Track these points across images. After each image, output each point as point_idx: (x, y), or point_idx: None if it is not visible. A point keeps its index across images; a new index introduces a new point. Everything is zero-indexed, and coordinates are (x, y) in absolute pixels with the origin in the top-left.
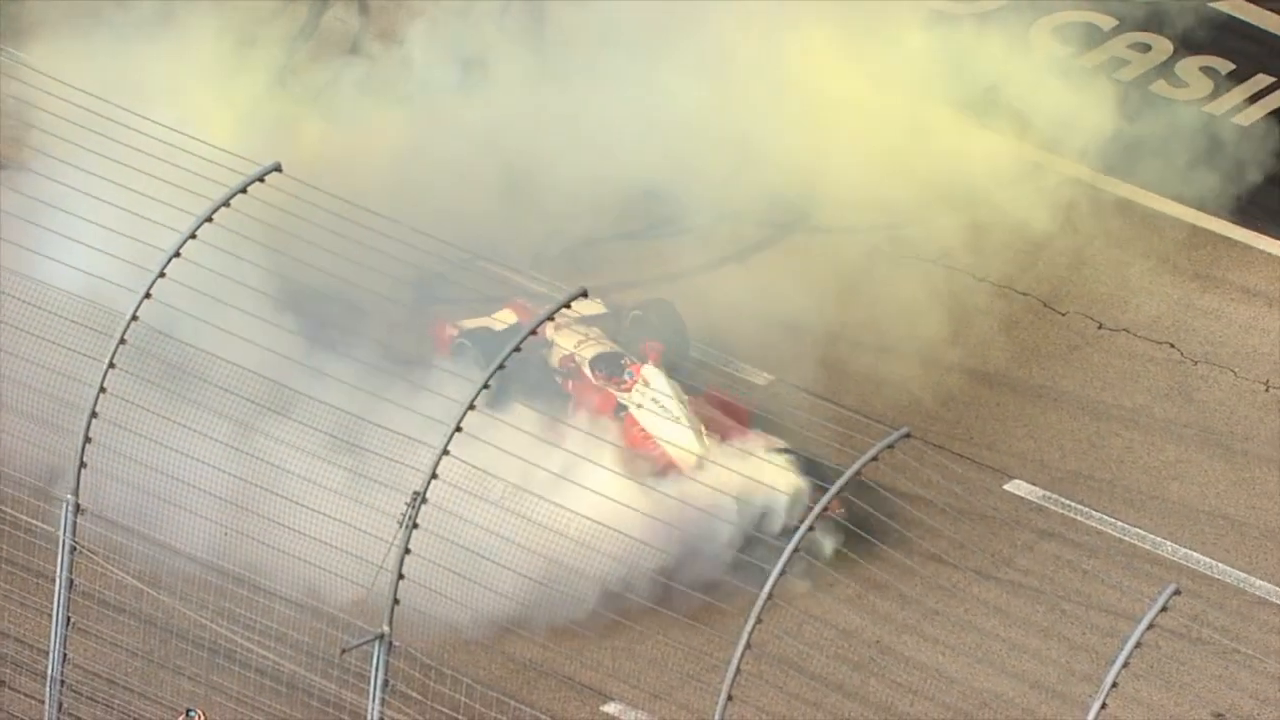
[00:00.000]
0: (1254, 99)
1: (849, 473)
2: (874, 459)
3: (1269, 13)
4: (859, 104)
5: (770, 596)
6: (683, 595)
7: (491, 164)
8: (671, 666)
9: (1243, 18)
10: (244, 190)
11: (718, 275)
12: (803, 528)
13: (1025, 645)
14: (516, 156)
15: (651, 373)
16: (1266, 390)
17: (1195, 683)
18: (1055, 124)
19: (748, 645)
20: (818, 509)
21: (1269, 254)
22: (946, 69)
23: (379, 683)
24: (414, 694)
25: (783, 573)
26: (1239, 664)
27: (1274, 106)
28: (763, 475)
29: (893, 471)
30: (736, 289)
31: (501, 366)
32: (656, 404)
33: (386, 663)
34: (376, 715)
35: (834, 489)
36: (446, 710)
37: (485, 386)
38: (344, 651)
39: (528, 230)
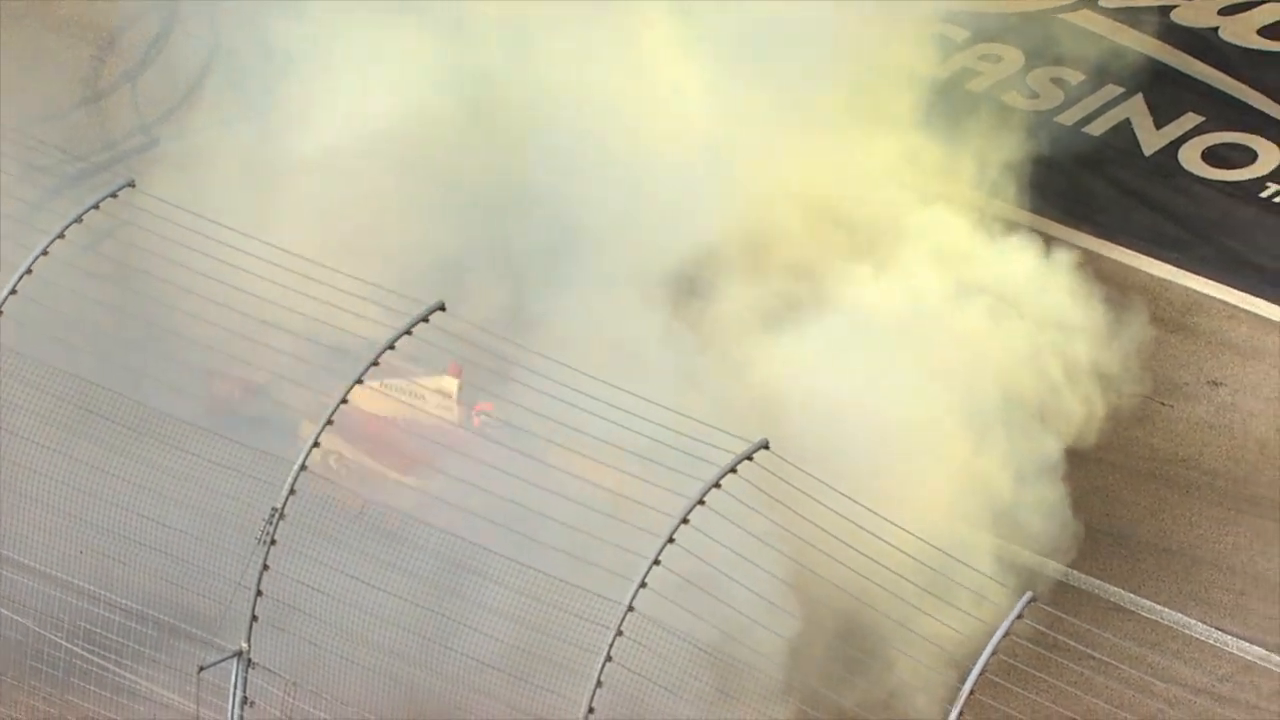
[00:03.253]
0: (1103, 109)
1: (708, 484)
2: (732, 470)
3: (1119, 25)
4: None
5: (631, 609)
6: (552, 608)
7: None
8: (535, 681)
9: (1092, 29)
10: (96, 206)
11: None
12: (661, 543)
13: (882, 655)
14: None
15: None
16: (1119, 398)
17: (1051, 689)
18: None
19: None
20: (672, 530)
21: (1120, 262)
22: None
23: (238, 699)
24: (274, 710)
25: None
26: (1094, 670)
27: (1124, 117)
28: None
29: (746, 484)
30: None
31: (359, 381)
32: None
33: (245, 679)
34: None
35: (691, 503)
36: None
37: (344, 401)
38: (202, 669)
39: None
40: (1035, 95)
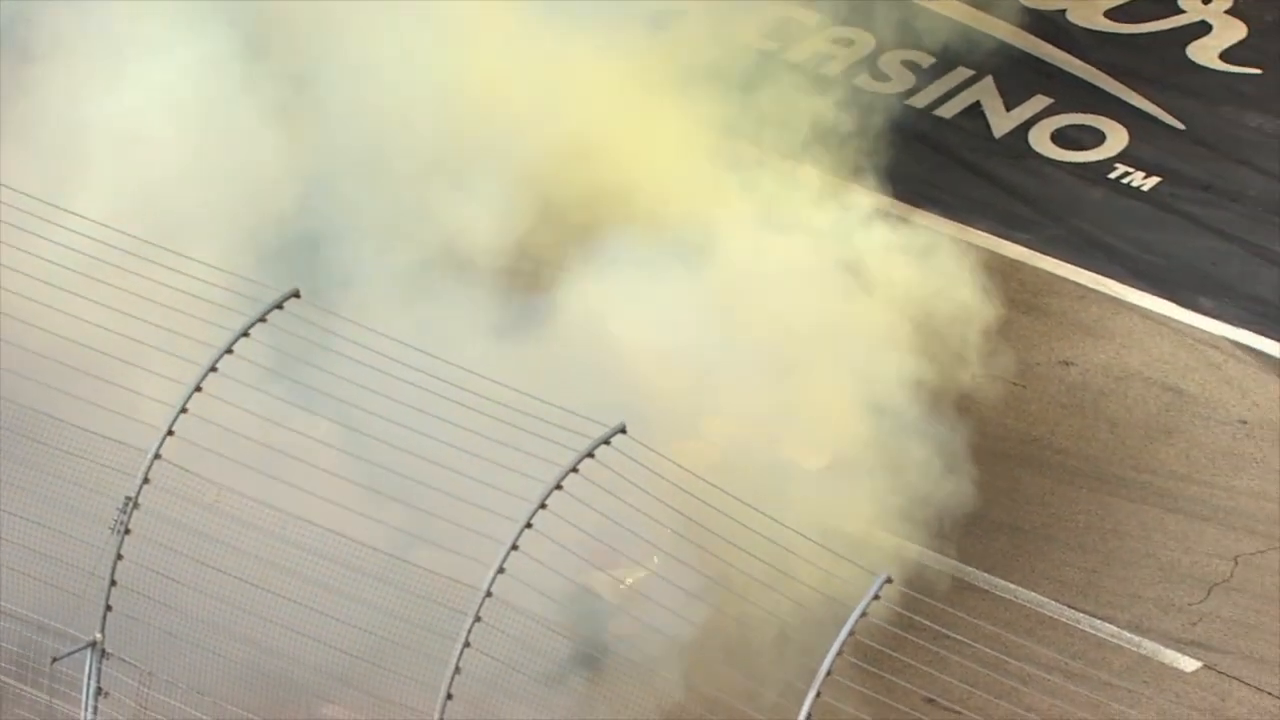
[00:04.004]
0: (954, 92)
1: (565, 469)
2: (589, 455)
3: (969, 8)
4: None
5: (490, 594)
6: (412, 596)
7: None
8: (396, 669)
9: (942, 12)
10: None
11: None
12: (520, 526)
13: (741, 640)
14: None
15: None
16: (971, 378)
17: (907, 669)
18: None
19: (466, 644)
20: (530, 515)
21: (970, 243)
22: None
23: (92, 690)
24: (129, 701)
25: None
26: (950, 649)
27: (974, 99)
28: None
29: (604, 468)
30: None
31: (213, 369)
32: None
33: (99, 670)
34: None
35: (549, 488)
36: (162, 716)
37: (197, 389)
38: (55, 660)
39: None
40: (887, 78)
